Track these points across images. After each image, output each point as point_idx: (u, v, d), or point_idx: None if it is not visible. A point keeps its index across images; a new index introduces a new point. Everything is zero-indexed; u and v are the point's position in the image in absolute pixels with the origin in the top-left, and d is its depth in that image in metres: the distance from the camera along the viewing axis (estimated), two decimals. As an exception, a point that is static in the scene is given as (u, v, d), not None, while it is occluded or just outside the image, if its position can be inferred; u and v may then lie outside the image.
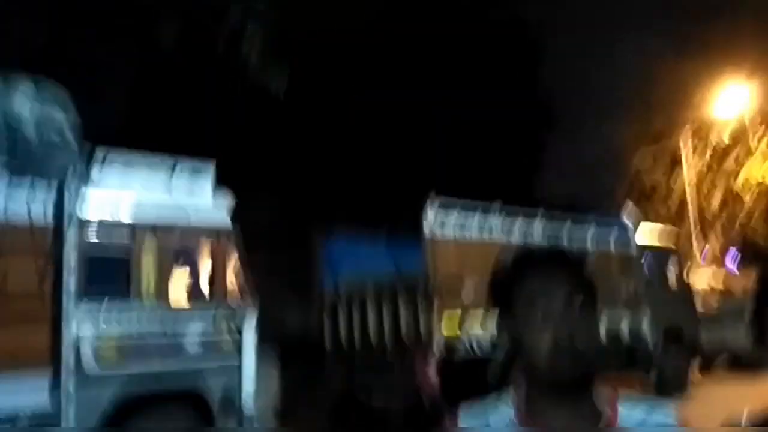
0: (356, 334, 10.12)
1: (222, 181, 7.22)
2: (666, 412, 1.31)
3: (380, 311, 9.82)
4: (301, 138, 14.64)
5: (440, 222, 9.43)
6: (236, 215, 7.12)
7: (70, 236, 5.87)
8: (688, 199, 22.51)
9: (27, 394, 5.52)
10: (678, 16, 20.82)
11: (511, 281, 1.36)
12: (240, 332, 6.84)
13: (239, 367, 6.79)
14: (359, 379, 10.13)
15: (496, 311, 1.38)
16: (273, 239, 12.77)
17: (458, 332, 9.25)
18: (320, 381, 10.71)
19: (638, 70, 22.10)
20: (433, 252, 9.20)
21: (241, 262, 7.06)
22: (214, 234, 6.97)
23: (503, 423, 1.31)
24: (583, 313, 1.27)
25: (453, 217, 9.55)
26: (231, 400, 6.66)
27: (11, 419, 5.37)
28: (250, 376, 6.82)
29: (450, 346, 9.14)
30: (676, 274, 14.47)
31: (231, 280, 7.08)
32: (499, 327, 1.37)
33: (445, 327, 9.19)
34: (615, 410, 1.29)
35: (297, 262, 12.21)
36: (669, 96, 22.40)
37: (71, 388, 5.67)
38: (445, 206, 9.55)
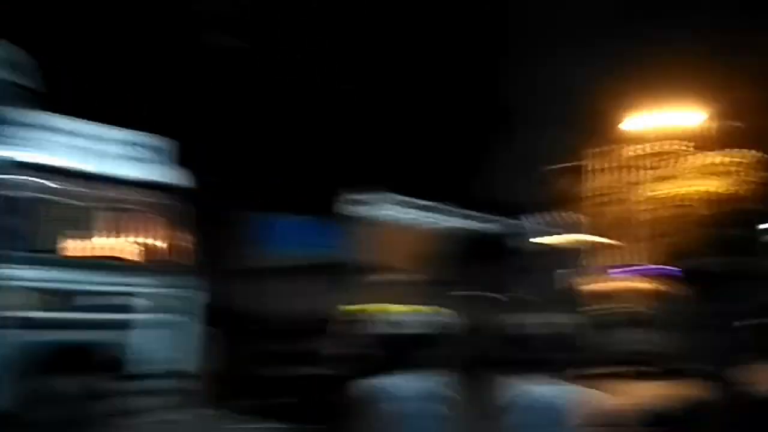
0: (279, 305, 10.61)
1: (173, 157, 7.51)
2: (561, 395, 1.45)
3: (305, 285, 10.33)
4: (246, 122, 15.00)
5: (375, 212, 10.08)
6: (180, 189, 7.39)
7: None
8: (606, 206, 23.94)
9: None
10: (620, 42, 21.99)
11: (456, 265, 1.57)
12: (173, 296, 7.01)
13: (166, 327, 6.92)
14: (279, 346, 10.68)
15: (443, 291, 1.55)
16: (209, 213, 13.14)
17: (381, 309, 9.79)
18: (243, 347, 11.23)
19: (578, 85, 23.06)
20: (364, 237, 9.82)
21: (179, 231, 7.21)
22: (154, 201, 7.07)
23: (416, 395, 1.44)
24: (510, 303, 1.40)
25: (388, 210, 10.25)
26: (149, 356, 6.75)
27: None
28: (180, 336, 6.99)
29: (371, 321, 9.61)
30: (579, 276, 15.55)
31: (167, 245, 7.13)
32: (445, 306, 1.52)
33: (368, 304, 9.72)
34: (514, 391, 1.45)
35: (228, 235, 12.61)
36: (602, 110, 23.63)
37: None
38: (380, 200, 10.22)
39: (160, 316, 6.82)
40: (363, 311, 9.69)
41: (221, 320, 11.80)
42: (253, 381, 11.36)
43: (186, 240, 7.15)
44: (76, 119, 6.71)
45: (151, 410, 6.54)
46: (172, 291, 6.88)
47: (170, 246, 7.07)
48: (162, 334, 6.84)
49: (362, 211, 9.89)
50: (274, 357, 10.60)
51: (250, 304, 10.97)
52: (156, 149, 7.20)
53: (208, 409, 10.26)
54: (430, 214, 11.47)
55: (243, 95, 14.53)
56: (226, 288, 13.01)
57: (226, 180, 13.92)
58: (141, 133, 7.18)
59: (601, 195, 24.30)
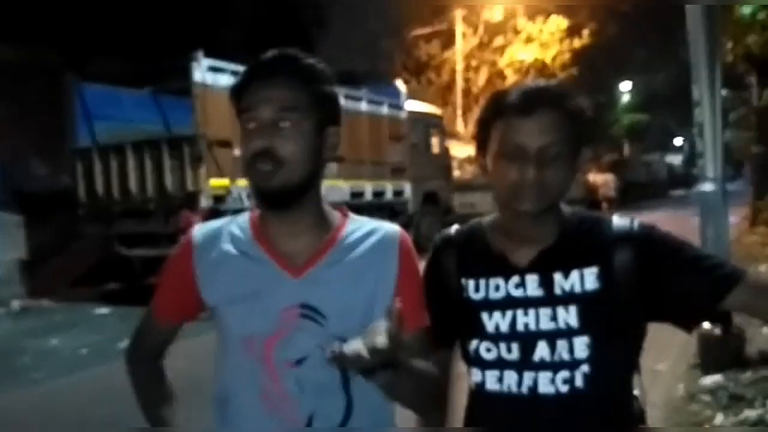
0: (114, 184, 9.59)
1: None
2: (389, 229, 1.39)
3: (142, 162, 9.36)
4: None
5: (211, 81, 9.02)
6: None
7: None
8: (458, 72, 23.95)
9: None
10: None
11: None
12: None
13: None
14: (118, 229, 9.73)
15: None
16: (18, 78, 11.35)
17: (227, 184, 9.19)
18: (74, 232, 10.11)
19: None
20: (203, 108, 8.87)
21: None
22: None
23: (232, 238, 1.40)
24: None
25: (225, 78, 9.07)
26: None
27: None
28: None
29: (217, 197, 9.08)
30: (439, 142, 15.57)
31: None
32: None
33: (214, 179, 9.04)
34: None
35: (47, 107, 11.06)
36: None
37: None
38: (216, 68, 9.17)
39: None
40: (211, 185, 9.07)
41: (47, 202, 10.50)
42: (101, 265, 10.44)
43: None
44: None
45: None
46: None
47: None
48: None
49: (196, 81, 8.95)
50: (121, 239, 9.71)
51: (81, 182, 9.80)
52: None
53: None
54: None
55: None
56: (50, 165, 11.55)
57: (44, 37, 12.07)
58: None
59: (456, 58, 24.15)
